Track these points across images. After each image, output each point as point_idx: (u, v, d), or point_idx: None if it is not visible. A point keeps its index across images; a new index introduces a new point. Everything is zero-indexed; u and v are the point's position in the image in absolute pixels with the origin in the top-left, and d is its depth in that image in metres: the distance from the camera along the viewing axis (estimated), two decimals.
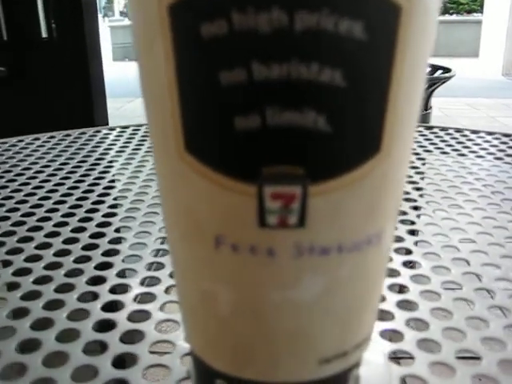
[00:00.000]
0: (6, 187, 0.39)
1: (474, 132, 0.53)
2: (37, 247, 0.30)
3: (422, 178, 0.41)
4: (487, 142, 0.50)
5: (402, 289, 0.26)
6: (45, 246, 0.30)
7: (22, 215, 0.34)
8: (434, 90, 1.78)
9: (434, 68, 1.91)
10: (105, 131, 0.54)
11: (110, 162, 0.45)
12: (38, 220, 0.33)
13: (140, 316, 0.23)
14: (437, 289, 0.26)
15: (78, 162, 0.45)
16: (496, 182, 0.40)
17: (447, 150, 0.48)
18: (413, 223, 0.33)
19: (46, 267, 0.27)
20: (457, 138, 0.51)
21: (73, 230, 0.32)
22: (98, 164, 0.45)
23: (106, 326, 0.22)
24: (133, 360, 0.20)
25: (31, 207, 0.36)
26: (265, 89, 0.12)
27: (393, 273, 0.27)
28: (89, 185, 0.40)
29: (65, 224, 0.33)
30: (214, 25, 0.11)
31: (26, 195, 0.38)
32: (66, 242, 0.30)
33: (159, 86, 0.13)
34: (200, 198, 0.13)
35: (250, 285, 0.14)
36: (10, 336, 0.21)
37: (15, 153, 0.48)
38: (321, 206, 0.13)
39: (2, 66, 1.61)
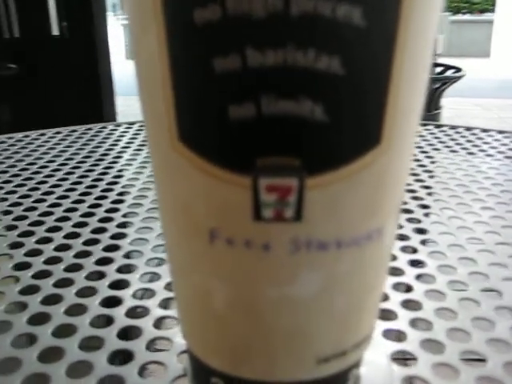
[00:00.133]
0: (11, 182, 0.39)
1: (484, 130, 0.52)
2: (38, 242, 0.29)
3: (431, 177, 0.41)
4: (497, 140, 0.49)
5: (406, 288, 0.25)
6: (46, 240, 0.29)
7: (24, 210, 0.34)
8: (444, 90, 1.77)
9: (445, 67, 1.90)
10: (111, 127, 0.54)
11: (115, 157, 0.45)
12: (39, 215, 0.33)
13: (138, 312, 0.23)
14: (442, 288, 0.25)
15: (83, 157, 0.45)
16: (505, 181, 0.39)
17: (456, 148, 0.48)
18: (419, 221, 0.33)
19: (46, 262, 0.27)
20: (466, 137, 0.51)
21: (74, 225, 0.32)
22: (103, 160, 0.45)
23: (104, 319, 0.22)
24: (129, 356, 0.20)
25: (34, 202, 0.35)
26: (260, 76, 0.11)
27: (397, 271, 0.26)
28: (92, 180, 0.40)
29: (67, 219, 0.33)
30: (207, 10, 0.11)
31: (29, 189, 0.38)
32: (67, 236, 0.30)
33: (153, 74, 0.13)
34: (193, 190, 0.13)
35: (245, 280, 0.13)
36: (6, 330, 0.21)
37: (20, 148, 0.47)
38: (318, 200, 0.12)
39: (14, 64, 1.62)
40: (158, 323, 0.22)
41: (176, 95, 0.12)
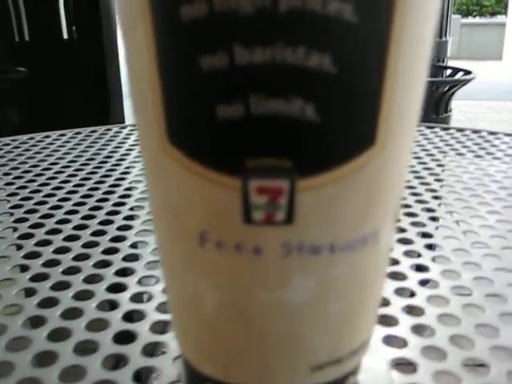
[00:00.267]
0: (13, 184, 0.39)
1: (491, 133, 0.51)
2: (37, 244, 0.29)
3: (437, 180, 0.40)
4: (505, 143, 0.49)
5: (408, 293, 0.25)
6: (45, 242, 0.29)
7: (25, 212, 0.34)
8: (454, 93, 1.75)
9: (455, 70, 1.89)
10: (116, 129, 0.54)
11: (119, 159, 0.45)
12: (40, 217, 0.33)
13: (135, 316, 0.22)
14: (446, 294, 0.24)
15: (87, 159, 0.45)
16: None
17: (463, 151, 0.47)
18: (424, 225, 0.32)
19: (45, 264, 0.27)
20: (473, 139, 0.50)
21: (75, 228, 0.31)
22: (107, 162, 0.44)
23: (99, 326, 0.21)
24: (124, 360, 0.19)
25: (35, 204, 0.35)
26: (248, 74, 0.11)
27: (400, 276, 0.26)
28: (95, 182, 0.40)
29: (67, 221, 0.32)
30: (193, 6, 0.11)
31: (31, 192, 0.38)
32: (66, 239, 0.30)
33: (142, 72, 0.12)
34: (183, 192, 0.13)
35: (235, 285, 0.13)
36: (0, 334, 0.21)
37: (25, 150, 0.47)
38: (310, 202, 0.12)
39: (23, 67, 1.64)
40: (154, 327, 0.21)
41: (164, 94, 0.12)
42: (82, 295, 0.24)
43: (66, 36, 1.64)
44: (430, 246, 0.29)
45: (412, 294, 0.24)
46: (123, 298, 0.24)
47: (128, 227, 0.32)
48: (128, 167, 0.43)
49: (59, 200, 0.36)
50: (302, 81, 0.11)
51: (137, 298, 0.24)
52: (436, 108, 1.72)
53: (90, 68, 1.66)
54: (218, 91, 0.11)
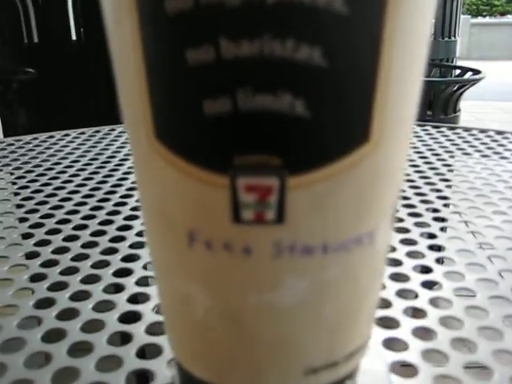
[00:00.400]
0: (15, 183, 0.39)
1: (498, 133, 0.50)
2: (36, 244, 0.29)
3: (442, 180, 0.40)
4: None
5: (411, 294, 0.24)
6: (44, 243, 0.29)
7: (26, 212, 0.34)
8: (462, 93, 1.74)
9: (464, 70, 1.87)
10: (119, 129, 0.54)
11: (122, 159, 0.45)
12: (40, 217, 0.33)
13: (132, 318, 0.22)
14: (449, 295, 0.24)
15: (90, 159, 0.45)
16: None
17: (470, 150, 0.46)
18: (428, 226, 0.32)
19: (43, 265, 0.27)
20: (480, 139, 0.49)
21: (74, 228, 0.31)
22: (110, 162, 0.44)
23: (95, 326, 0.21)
24: (118, 362, 0.19)
25: (36, 204, 0.35)
26: (235, 68, 0.10)
27: (402, 277, 0.25)
28: (97, 182, 0.39)
29: (67, 221, 0.32)
30: None
31: (32, 192, 0.37)
32: (66, 239, 0.30)
33: (128, 67, 0.12)
34: (171, 190, 0.12)
35: (225, 286, 0.13)
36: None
37: (28, 150, 0.47)
38: (301, 201, 0.12)
39: (32, 68, 1.64)
40: (150, 329, 0.21)
41: (150, 89, 0.12)
42: (79, 295, 0.23)
43: (74, 37, 1.64)
44: (433, 247, 0.29)
45: (416, 296, 0.24)
46: (121, 298, 0.24)
47: (128, 227, 0.31)
48: (131, 167, 0.43)
49: (60, 200, 0.36)
50: (291, 75, 0.10)
51: (135, 298, 0.24)
52: (444, 108, 1.70)
53: (99, 68, 1.66)
54: (204, 86, 0.11)
